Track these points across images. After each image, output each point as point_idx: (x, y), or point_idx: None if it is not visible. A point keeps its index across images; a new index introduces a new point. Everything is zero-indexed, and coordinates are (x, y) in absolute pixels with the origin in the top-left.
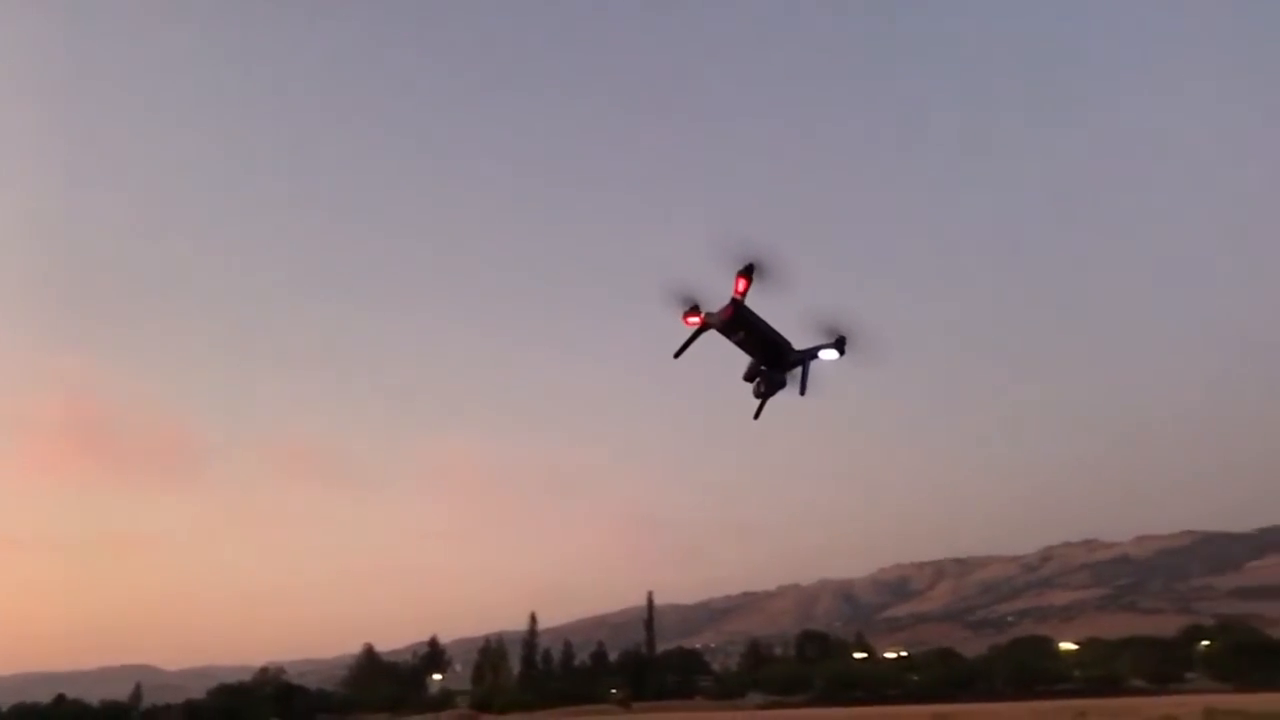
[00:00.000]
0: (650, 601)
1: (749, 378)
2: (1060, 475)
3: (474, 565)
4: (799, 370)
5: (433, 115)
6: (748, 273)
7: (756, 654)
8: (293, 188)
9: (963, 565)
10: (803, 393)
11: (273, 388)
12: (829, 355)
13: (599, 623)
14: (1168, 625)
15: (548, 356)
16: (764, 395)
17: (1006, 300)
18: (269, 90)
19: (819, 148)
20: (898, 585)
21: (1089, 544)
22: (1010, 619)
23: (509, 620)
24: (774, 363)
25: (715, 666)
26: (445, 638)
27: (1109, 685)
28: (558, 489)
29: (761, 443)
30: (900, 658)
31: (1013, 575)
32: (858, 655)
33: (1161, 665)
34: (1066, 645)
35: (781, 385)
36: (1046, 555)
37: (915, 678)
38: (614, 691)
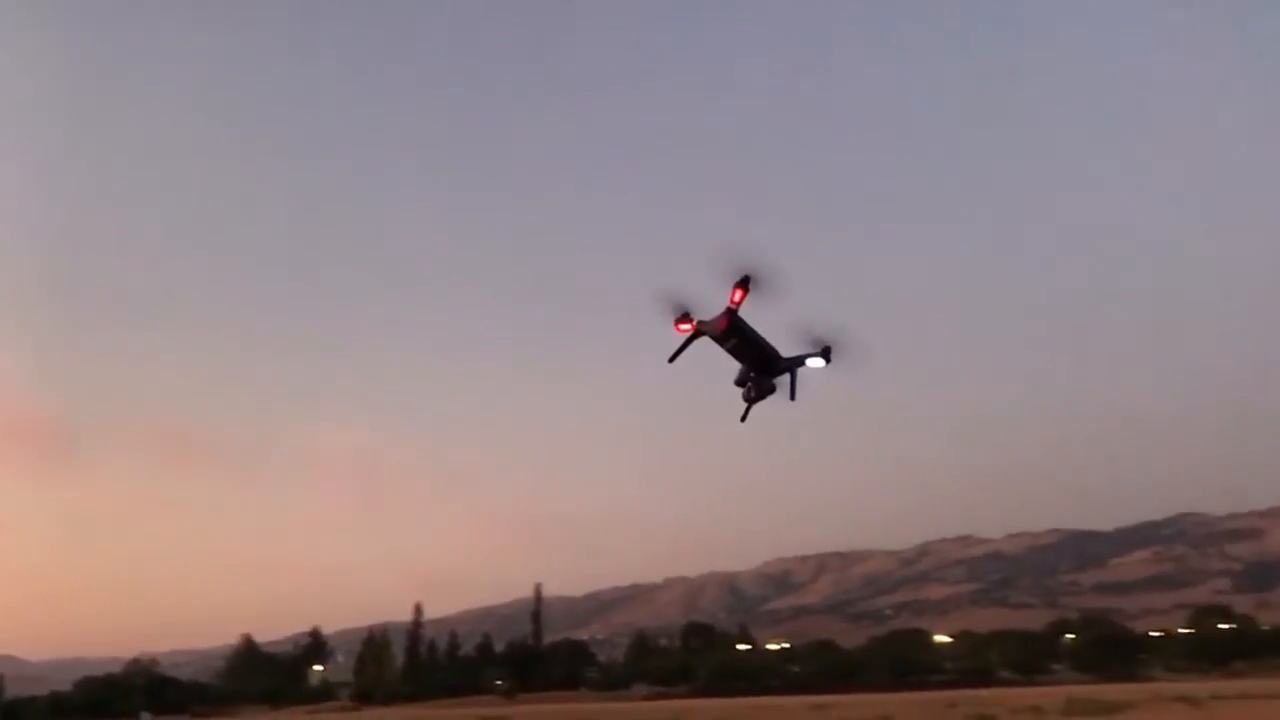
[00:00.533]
0: (538, 593)
1: (740, 383)
2: (940, 474)
3: (359, 554)
4: (788, 377)
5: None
6: (744, 284)
7: (642, 645)
8: (153, 158)
9: (844, 559)
10: (793, 398)
11: (147, 370)
12: (816, 363)
13: (486, 614)
14: (1036, 619)
15: (438, 345)
16: (754, 400)
17: (891, 299)
18: None
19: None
20: (781, 578)
21: (965, 540)
22: (888, 612)
23: (394, 611)
24: (763, 370)
25: (601, 658)
26: (328, 628)
27: (980, 676)
28: (446, 478)
29: (651, 438)
30: (782, 649)
31: (892, 570)
32: (741, 647)
33: (1029, 657)
34: (941, 638)
35: (771, 390)
36: (924, 551)
37: (795, 669)
38: (499, 683)
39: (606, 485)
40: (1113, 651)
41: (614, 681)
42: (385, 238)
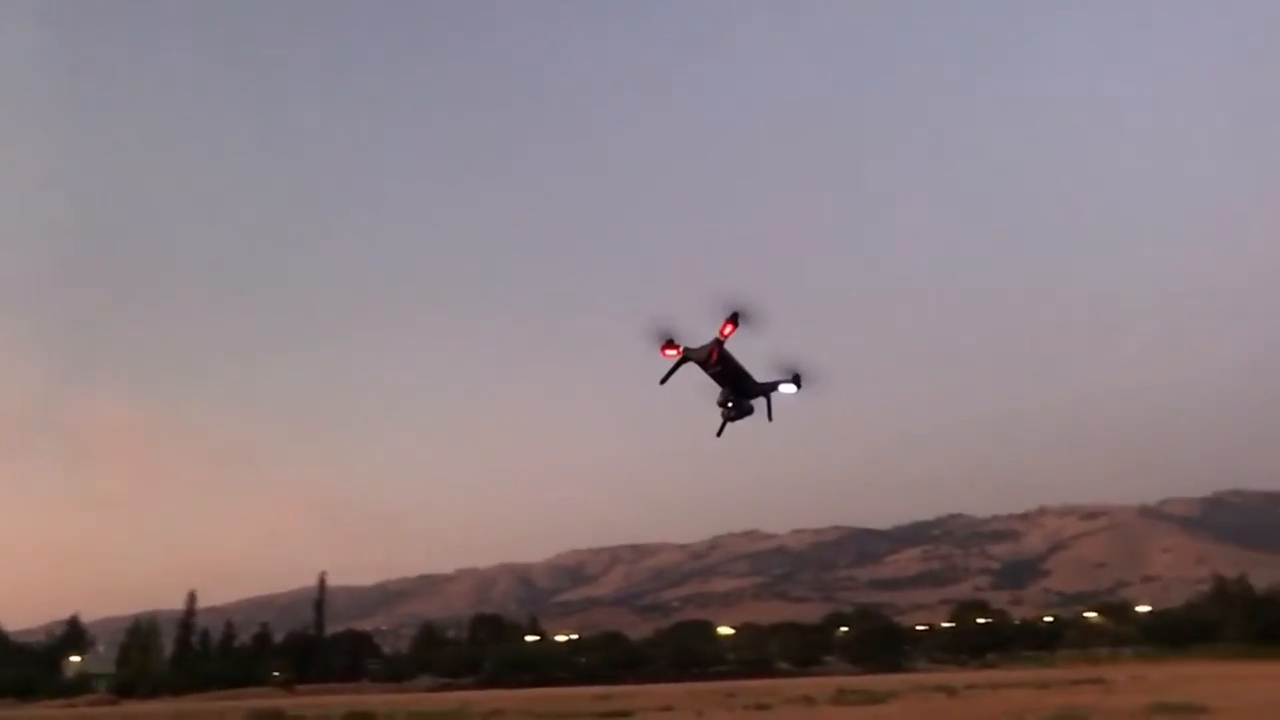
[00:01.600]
0: (322, 582)
1: (722, 403)
2: (732, 471)
3: (125, 538)
4: (764, 399)
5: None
6: (734, 319)
7: (429, 636)
8: None
9: (636, 552)
10: (770, 419)
11: None
12: (788, 389)
13: (266, 603)
14: (814, 612)
15: (219, 318)
16: (733, 419)
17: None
18: None
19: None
20: (574, 571)
21: (751, 535)
22: (676, 604)
23: (165, 599)
24: (741, 393)
25: (387, 649)
26: (89, 616)
27: (759, 667)
28: (225, 459)
29: (445, 427)
30: (570, 640)
31: (681, 563)
32: (529, 638)
33: (805, 649)
34: (724, 630)
35: (750, 412)
36: (714, 545)
37: (583, 660)
38: (276, 674)
39: (398, 473)
40: (882, 644)
41: (398, 673)
42: (163, 215)
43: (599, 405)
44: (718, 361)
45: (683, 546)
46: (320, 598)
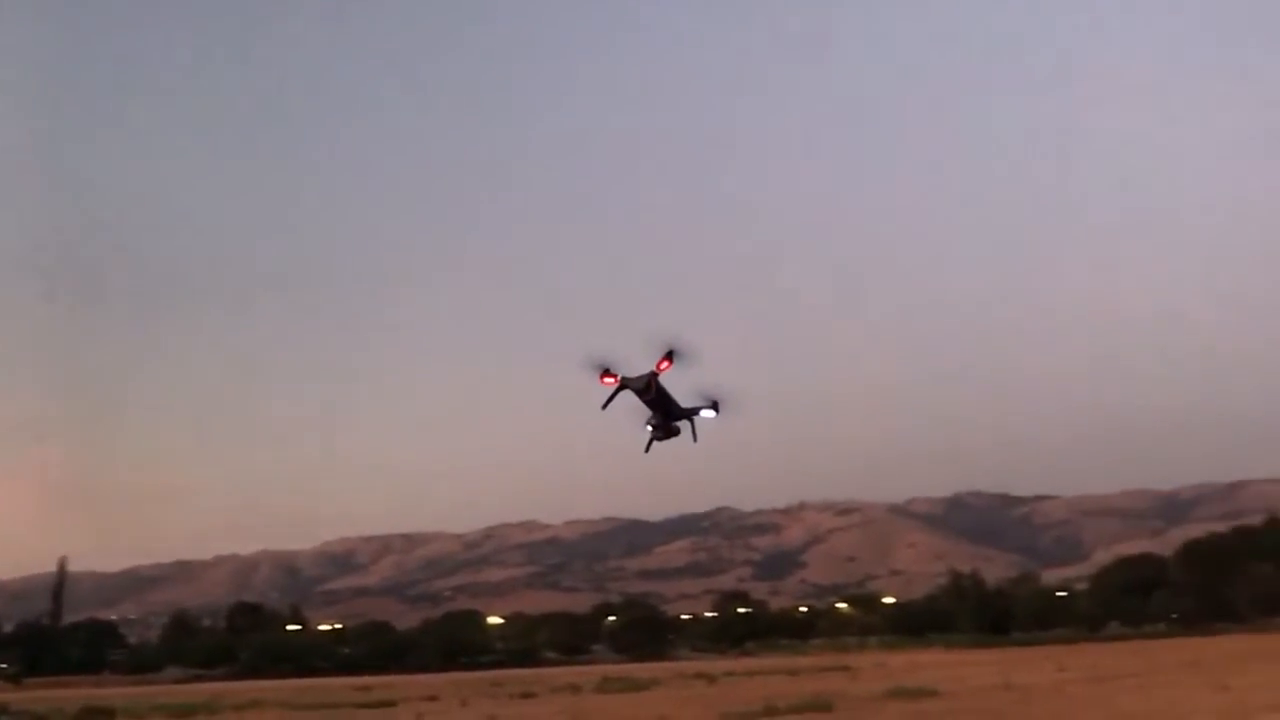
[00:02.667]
0: (61, 568)
1: (650, 424)
2: (510, 461)
3: None
4: (689, 422)
5: None
6: (670, 356)
7: (181, 625)
8: None
9: (409, 541)
10: (695, 440)
11: None
12: (708, 414)
13: None
14: (585, 602)
15: None
16: (660, 439)
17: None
18: None
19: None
20: (343, 559)
21: (527, 525)
22: (447, 594)
23: None
24: (669, 417)
25: (133, 639)
26: None
27: (527, 657)
28: None
29: (207, 404)
30: (334, 630)
31: (455, 552)
32: (291, 628)
33: (573, 639)
34: (494, 619)
35: (677, 433)
36: (489, 534)
37: (347, 650)
38: (4, 667)
39: (153, 452)
40: (647, 633)
41: (144, 664)
42: None
43: (375, 394)
44: (652, 391)
45: (457, 536)
46: (59, 584)
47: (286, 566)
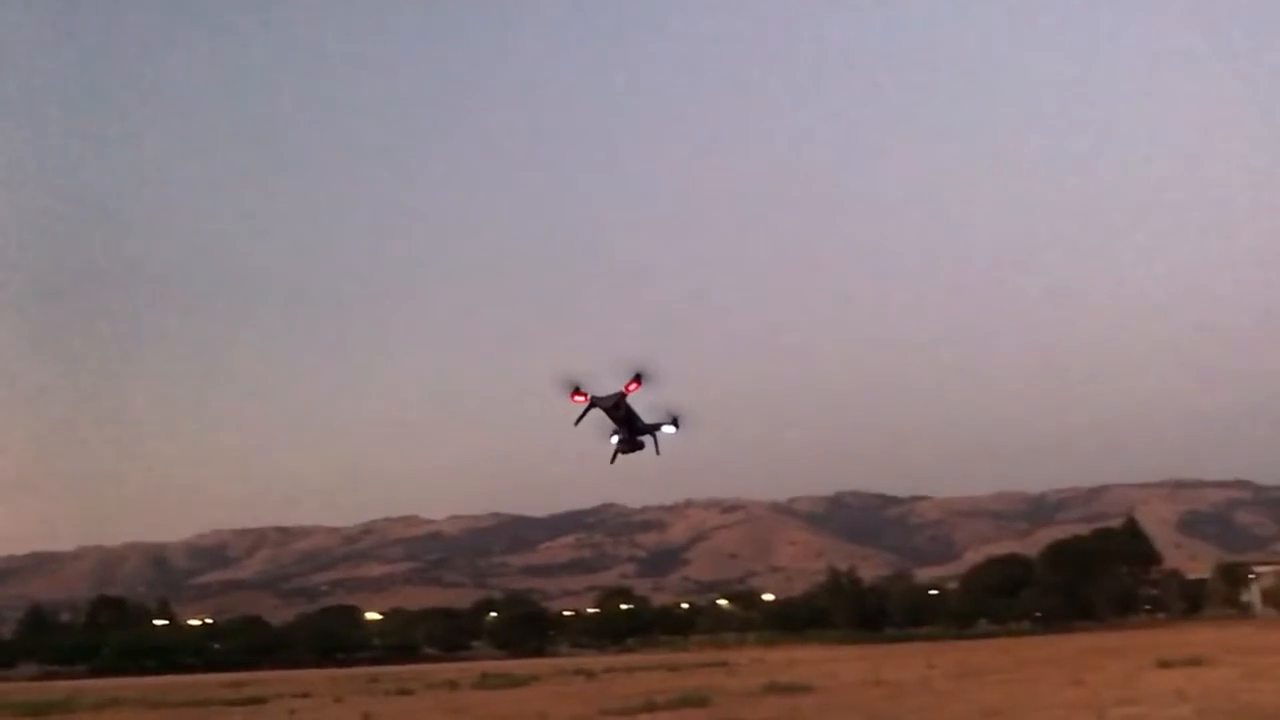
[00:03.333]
0: None
1: (617, 438)
2: (392, 454)
3: None
4: (651, 437)
5: None
6: (638, 379)
7: (38, 619)
8: None
9: (286, 534)
10: (657, 453)
11: None
12: (669, 430)
13: None
14: (466, 598)
15: None
16: (625, 452)
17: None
18: None
19: None
20: (215, 552)
21: (408, 520)
22: (324, 589)
23: None
24: (634, 431)
25: None
26: None
27: (406, 653)
28: None
29: (62, 388)
30: (204, 625)
31: (333, 546)
32: (158, 622)
33: (453, 634)
34: (372, 615)
35: (641, 447)
36: (368, 529)
37: (217, 646)
38: None
39: (6, 439)
40: (529, 629)
41: None
42: None
43: (255, 383)
44: (620, 409)
45: (335, 530)
46: None
47: (155, 558)
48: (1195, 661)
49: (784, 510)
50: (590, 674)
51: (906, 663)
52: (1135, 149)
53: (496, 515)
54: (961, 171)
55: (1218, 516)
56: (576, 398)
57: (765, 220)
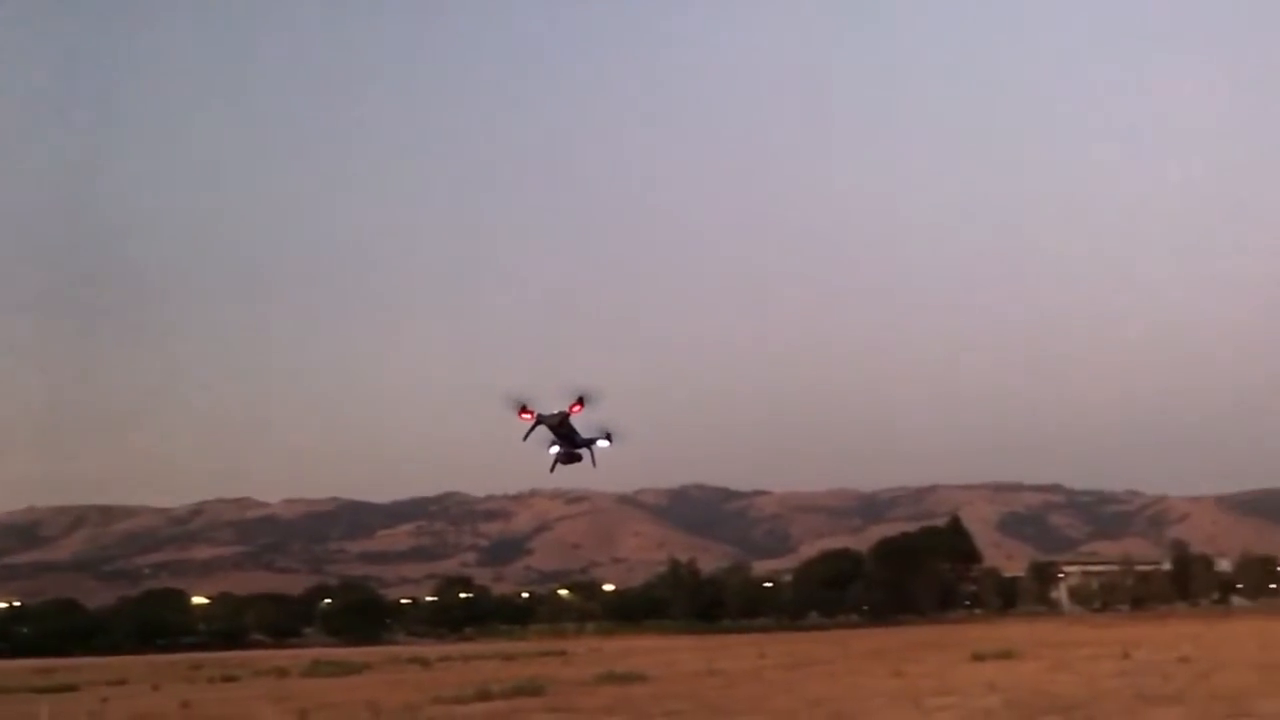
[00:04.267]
0: None
1: (557, 450)
2: (225, 434)
3: None
4: (588, 450)
5: None
6: (581, 401)
7: None
8: None
9: (108, 514)
10: (594, 465)
11: None
12: (604, 444)
13: None
14: (300, 584)
15: None
16: (564, 463)
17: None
18: None
19: None
20: (27, 530)
21: (241, 503)
22: (148, 571)
23: None
24: (573, 445)
25: None
26: None
27: (233, 639)
28: None
29: None
30: (13, 608)
31: (159, 527)
32: None
33: (284, 621)
34: (199, 599)
35: (579, 459)
36: (198, 510)
37: (26, 630)
38: None
39: None
40: (363, 616)
41: None
42: None
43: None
44: (562, 427)
45: (163, 510)
46: None
47: None
48: (1007, 655)
49: (629, 502)
50: (425, 662)
51: (740, 653)
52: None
53: (335, 500)
54: (800, 172)
55: (1033, 518)
56: (524, 415)
57: (619, 219)
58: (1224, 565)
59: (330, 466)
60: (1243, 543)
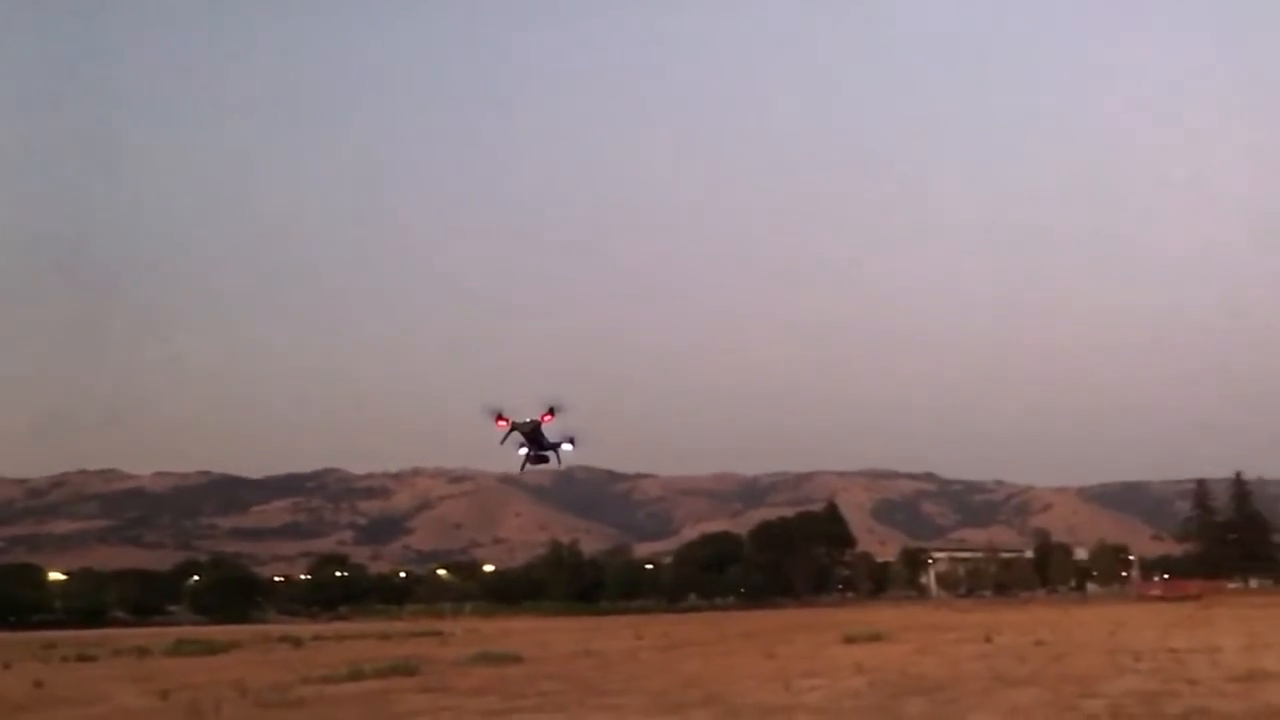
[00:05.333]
0: None
1: (526, 452)
2: (89, 403)
3: None
4: (554, 452)
5: None
6: (552, 411)
7: None
8: None
9: None
10: (559, 465)
11: None
12: (567, 447)
13: None
14: (167, 560)
15: None
16: (533, 464)
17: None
18: None
19: None
20: None
21: (107, 474)
22: (1, 546)
23: None
24: (541, 448)
25: None
26: None
27: (93, 617)
28: None
29: None
30: None
31: (15, 499)
32: None
33: (148, 598)
34: (56, 575)
35: (545, 460)
36: (59, 481)
37: None
38: None
39: None
40: (233, 594)
41: None
42: None
43: None
44: (534, 434)
45: (20, 481)
46: None
47: None
48: (875, 638)
49: (512, 482)
50: (297, 641)
51: (617, 634)
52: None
53: (207, 474)
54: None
55: (906, 505)
56: (500, 422)
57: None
58: (1081, 554)
59: (203, 439)
60: (1100, 532)
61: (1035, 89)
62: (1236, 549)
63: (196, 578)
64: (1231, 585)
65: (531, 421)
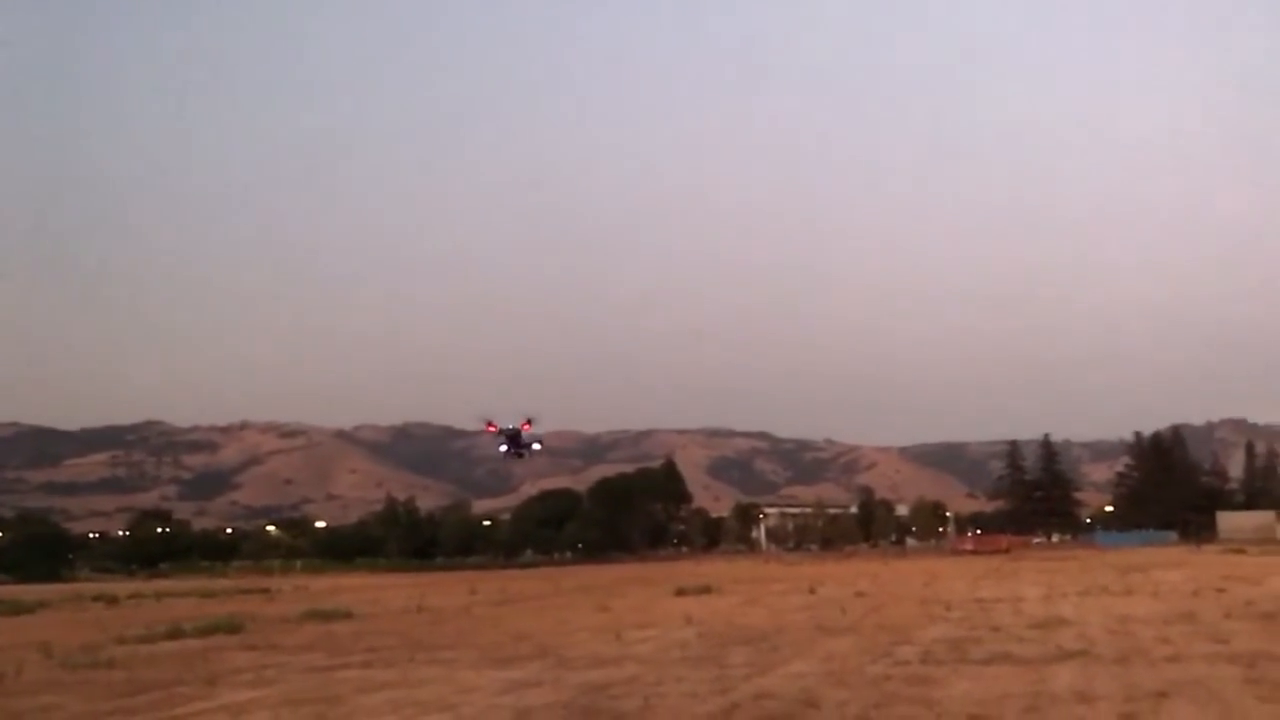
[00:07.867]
0: None
1: (502, 446)
2: None
3: None
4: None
5: None
6: (529, 421)
7: None
8: None
9: None
10: (529, 456)
11: None
12: (536, 446)
13: None
14: None
15: None
16: (514, 458)
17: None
18: None
19: None
20: None
21: None
22: None
23: None
24: (519, 447)
25: None
26: None
27: None
28: None
29: None
30: None
31: None
32: None
33: None
34: None
35: (522, 456)
36: None
37: None
38: None
39: None
40: (42, 551)
41: None
42: None
43: None
44: (516, 438)
45: None
46: None
47: None
48: (705, 590)
49: (347, 438)
50: (112, 600)
51: (451, 590)
52: None
53: (15, 425)
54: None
55: (741, 462)
56: (490, 428)
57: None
58: (902, 510)
59: (11, 389)
60: (920, 490)
61: None
62: (1043, 506)
63: (0, 535)
64: (1036, 540)
65: (514, 428)
